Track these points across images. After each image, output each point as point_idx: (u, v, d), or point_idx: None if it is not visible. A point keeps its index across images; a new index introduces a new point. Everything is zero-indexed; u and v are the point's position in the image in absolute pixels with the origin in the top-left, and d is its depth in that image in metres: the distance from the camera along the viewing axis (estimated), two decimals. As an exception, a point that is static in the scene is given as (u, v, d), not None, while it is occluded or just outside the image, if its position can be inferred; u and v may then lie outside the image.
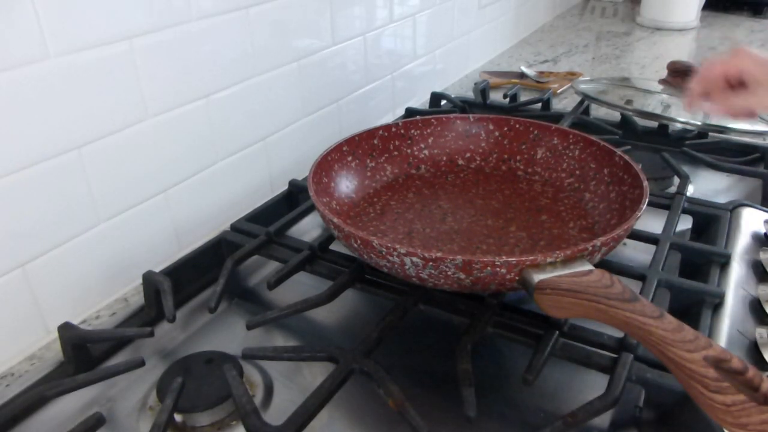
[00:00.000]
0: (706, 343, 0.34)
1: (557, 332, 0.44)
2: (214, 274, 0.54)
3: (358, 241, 0.44)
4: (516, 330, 0.46)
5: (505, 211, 0.57)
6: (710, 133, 0.79)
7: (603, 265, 0.49)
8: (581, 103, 0.86)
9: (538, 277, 0.40)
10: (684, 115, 0.74)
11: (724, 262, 0.53)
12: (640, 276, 0.50)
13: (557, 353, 0.44)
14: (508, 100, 0.92)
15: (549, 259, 0.41)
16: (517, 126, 0.64)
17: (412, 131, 0.64)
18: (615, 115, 0.85)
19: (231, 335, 0.53)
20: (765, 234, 0.57)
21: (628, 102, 0.79)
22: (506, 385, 0.47)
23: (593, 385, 0.45)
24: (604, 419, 0.43)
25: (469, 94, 0.99)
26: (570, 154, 0.61)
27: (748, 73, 0.51)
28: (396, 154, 0.64)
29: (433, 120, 0.65)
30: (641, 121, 0.81)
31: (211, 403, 0.43)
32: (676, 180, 0.69)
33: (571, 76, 1.09)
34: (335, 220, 0.46)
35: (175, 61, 0.55)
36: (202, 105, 0.59)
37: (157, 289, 0.50)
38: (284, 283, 0.52)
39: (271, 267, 0.61)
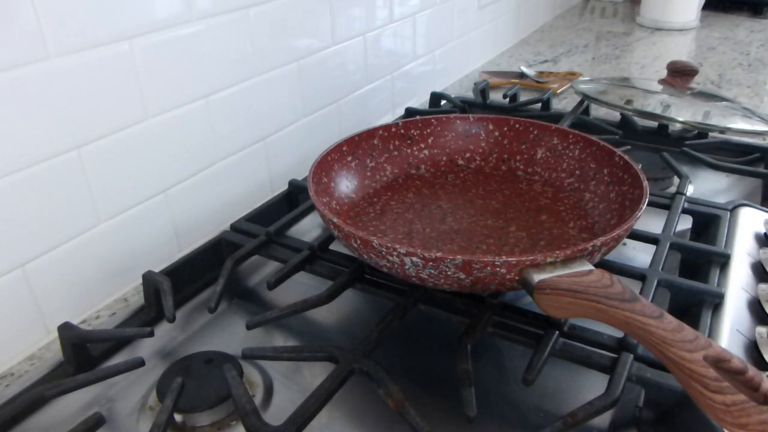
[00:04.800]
0: (706, 343, 0.34)
1: (557, 332, 0.44)
2: (214, 274, 0.54)
3: (358, 241, 0.44)
4: (516, 330, 0.46)
5: (505, 211, 0.57)
6: (710, 133, 0.79)
7: (603, 265, 0.49)
8: (581, 103, 0.86)
9: (538, 277, 0.40)
10: (684, 115, 0.74)
11: (724, 262, 0.53)
12: (640, 276, 0.50)
13: (557, 353, 0.44)
14: (508, 100, 0.92)
15: (549, 259, 0.41)
16: (517, 126, 0.64)
17: (412, 131, 0.64)
18: (615, 115, 0.85)
19: (231, 335, 0.53)
20: (765, 234, 0.57)
21: (628, 102, 0.79)
22: (506, 385, 0.47)
23: (593, 385, 0.45)
24: (604, 419, 0.43)
25: (469, 94, 0.99)
26: (570, 154, 0.61)
27: None
28: (396, 154, 0.64)
29: (432, 120, 0.65)
30: (641, 121, 0.81)
31: (211, 403, 0.43)
32: (676, 180, 0.69)
33: (571, 76, 1.09)
34: (335, 220, 0.46)
35: (175, 61, 0.55)
36: (202, 105, 0.59)
37: (157, 289, 0.50)
38: (284, 283, 0.52)
39: (271, 267, 0.61)
